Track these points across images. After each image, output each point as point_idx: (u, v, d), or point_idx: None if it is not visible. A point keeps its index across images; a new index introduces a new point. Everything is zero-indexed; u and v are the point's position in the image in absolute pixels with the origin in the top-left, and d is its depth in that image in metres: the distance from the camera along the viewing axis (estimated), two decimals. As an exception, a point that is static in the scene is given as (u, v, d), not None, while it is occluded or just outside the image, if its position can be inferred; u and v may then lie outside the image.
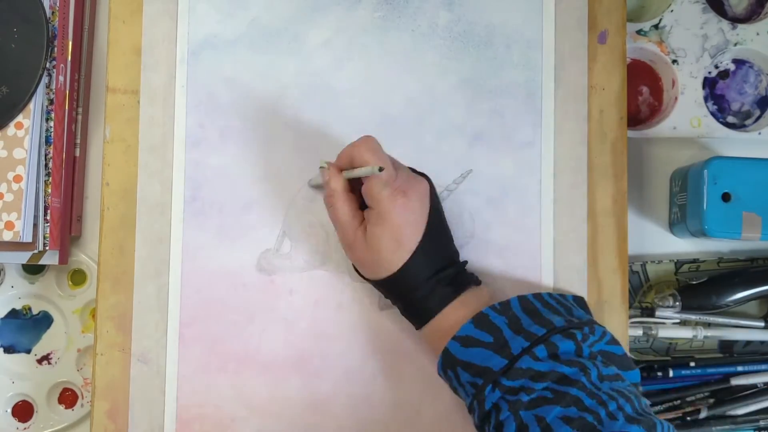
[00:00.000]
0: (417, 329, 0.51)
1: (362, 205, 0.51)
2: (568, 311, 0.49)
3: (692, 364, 0.61)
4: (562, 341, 0.46)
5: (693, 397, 0.61)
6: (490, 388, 0.45)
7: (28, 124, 0.57)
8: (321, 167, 0.51)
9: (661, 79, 0.64)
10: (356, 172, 0.49)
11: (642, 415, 0.43)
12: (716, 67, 0.64)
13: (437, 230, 0.50)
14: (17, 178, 0.56)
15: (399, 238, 0.48)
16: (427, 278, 0.49)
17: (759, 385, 0.61)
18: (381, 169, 0.46)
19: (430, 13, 0.57)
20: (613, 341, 0.48)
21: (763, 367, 0.61)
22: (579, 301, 0.52)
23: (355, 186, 0.51)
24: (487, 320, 0.47)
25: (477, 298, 0.50)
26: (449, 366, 0.48)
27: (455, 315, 0.49)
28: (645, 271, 0.62)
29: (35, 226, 0.58)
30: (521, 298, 0.49)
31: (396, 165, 0.50)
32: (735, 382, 0.61)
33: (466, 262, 0.52)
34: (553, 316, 0.48)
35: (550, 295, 0.50)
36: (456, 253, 0.52)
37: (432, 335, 0.50)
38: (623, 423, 0.42)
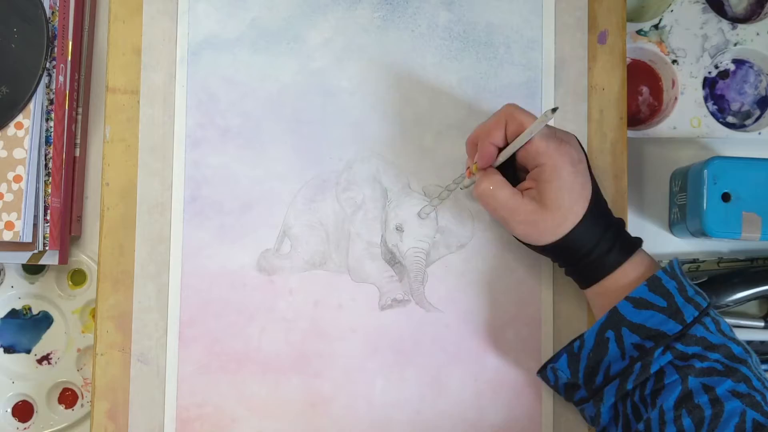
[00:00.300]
0: (583, 288, 0.51)
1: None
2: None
3: None
4: (721, 317, 0.47)
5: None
6: (660, 351, 0.45)
7: (28, 124, 0.57)
8: (473, 172, 0.51)
9: (661, 79, 0.64)
10: (526, 136, 0.47)
11: None
12: (716, 67, 0.64)
13: (597, 182, 0.50)
14: (17, 178, 0.56)
15: (576, 187, 0.47)
16: (604, 231, 0.48)
17: None
18: (555, 110, 0.45)
19: (430, 13, 0.57)
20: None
21: (764, 367, 0.61)
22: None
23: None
24: (660, 284, 0.47)
25: (645, 260, 0.50)
26: (613, 326, 0.47)
27: (628, 276, 0.48)
28: (645, 271, 0.62)
29: (35, 226, 0.58)
30: (680, 262, 0.50)
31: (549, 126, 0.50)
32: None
33: (622, 220, 0.51)
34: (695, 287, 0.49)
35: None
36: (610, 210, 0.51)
37: (602, 294, 0.49)
38: None
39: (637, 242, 0.50)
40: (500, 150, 0.50)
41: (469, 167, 0.52)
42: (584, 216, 0.48)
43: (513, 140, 0.49)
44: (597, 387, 0.48)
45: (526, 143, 0.48)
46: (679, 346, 0.45)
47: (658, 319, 0.46)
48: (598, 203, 0.49)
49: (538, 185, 0.48)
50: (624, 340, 0.47)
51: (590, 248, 0.48)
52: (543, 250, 0.50)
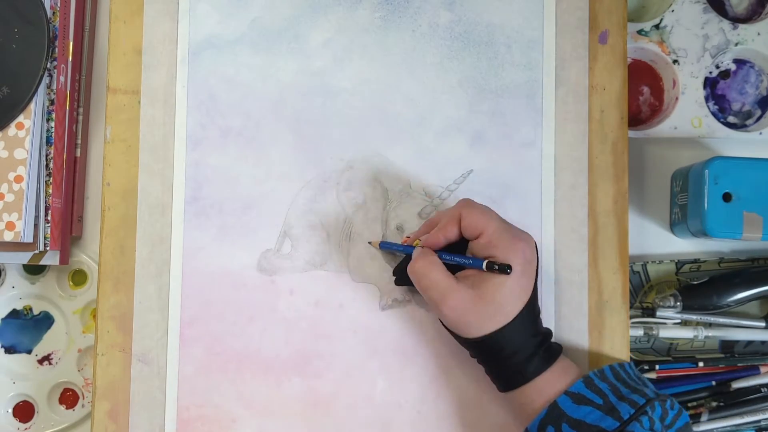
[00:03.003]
0: (502, 391, 0.51)
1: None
2: (644, 384, 0.50)
3: (701, 364, 0.60)
4: (659, 414, 0.47)
5: (695, 402, 0.61)
6: None
7: (29, 124, 0.57)
8: (416, 246, 0.51)
9: (661, 79, 0.64)
10: (461, 261, 0.49)
11: None
12: (717, 67, 0.64)
13: (536, 289, 0.50)
14: (18, 179, 0.56)
15: (517, 287, 0.47)
16: (530, 337, 0.48)
17: (763, 390, 0.61)
18: (491, 267, 0.47)
19: (431, 13, 0.57)
20: (683, 413, 0.49)
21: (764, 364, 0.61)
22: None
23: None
24: (593, 384, 0.48)
25: (568, 369, 0.50)
26: (552, 421, 0.47)
27: (550, 384, 0.48)
28: (646, 272, 0.62)
29: (36, 226, 0.58)
30: (612, 368, 0.50)
31: (501, 219, 0.50)
32: (736, 385, 0.60)
33: (550, 330, 0.51)
34: (642, 387, 0.49)
35: (630, 366, 0.51)
36: (541, 318, 0.51)
37: (525, 398, 0.49)
38: None
39: (558, 350, 0.50)
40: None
41: (409, 236, 0.54)
42: (515, 318, 0.48)
43: (468, 236, 0.50)
44: None
45: (480, 236, 0.49)
46: None
47: (596, 416, 0.46)
48: (531, 309, 0.49)
49: (481, 274, 0.48)
50: None
51: (513, 351, 0.48)
52: (467, 343, 0.50)
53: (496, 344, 0.48)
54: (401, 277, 0.54)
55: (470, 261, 0.49)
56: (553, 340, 0.51)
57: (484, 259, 0.48)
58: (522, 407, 0.49)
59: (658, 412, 0.47)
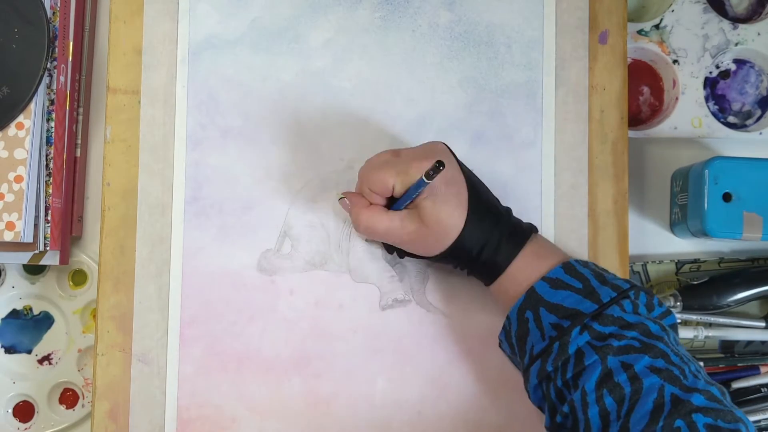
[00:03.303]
0: (487, 285, 0.51)
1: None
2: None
3: (701, 364, 0.60)
4: (644, 301, 0.47)
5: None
6: (577, 330, 0.45)
7: (29, 124, 0.57)
8: (340, 199, 0.52)
9: (661, 79, 0.64)
10: (409, 197, 0.49)
11: (711, 382, 0.45)
12: (717, 67, 0.64)
13: (476, 183, 0.51)
14: (18, 179, 0.56)
15: (449, 199, 0.48)
16: (490, 231, 0.49)
17: (763, 390, 0.61)
18: (429, 176, 0.46)
19: (431, 13, 0.57)
20: (671, 314, 0.49)
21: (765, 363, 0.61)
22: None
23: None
24: (574, 269, 0.48)
25: (548, 249, 0.50)
26: (531, 306, 0.48)
27: (530, 265, 0.49)
28: (646, 271, 0.62)
29: (36, 226, 0.58)
30: (594, 260, 0.50)
31: (398, 151, 0.51)
32: (736, 385, 0.60)
33: (509, 209, 0.52)
34: (617, 280, 0.49)
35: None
36: (498, 203, 0.52)
37: (506, 286, 0.50)
38: (704, 383, 0.44)
39: (528, 231, 0.50)
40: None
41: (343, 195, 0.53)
42: (465, 224, 0.48)
43: (384, 194, 0.50)
44: (525, 367, 0.49)
45: (393, 189, 0.49)
46: (596, 326, 0.45)
47: (574, 299, 0.47)
48: (477, 207, 0.49)
49: (416, 207, 0.49)
50: (542, 320, 0.47)
51: (478, 251, 0.49)
52: (435, 259, 0.51)
53: (460, 251, 0.49)
54: (389, 248, 0.55)
55: (414, 190, 0.48)
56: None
57: (418, 183, 0.48)
58: (502, 297, 0.50)
59: (643, 300, 0.47)
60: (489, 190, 0.52)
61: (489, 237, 0.49)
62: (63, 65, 0.60)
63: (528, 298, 0.48)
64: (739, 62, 0.64)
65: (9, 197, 0.56)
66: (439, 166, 0.45)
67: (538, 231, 0.52)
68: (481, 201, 0.50)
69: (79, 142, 0.62)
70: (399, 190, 0.49)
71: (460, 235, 0.48)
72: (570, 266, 0.48)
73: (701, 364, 0.59)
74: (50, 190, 0.59)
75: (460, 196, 0.49)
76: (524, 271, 0.49)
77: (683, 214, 0.60)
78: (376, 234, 0.51)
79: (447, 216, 0.48)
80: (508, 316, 0.49)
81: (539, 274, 0.48)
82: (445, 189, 0.48)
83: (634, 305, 0.46)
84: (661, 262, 0.62)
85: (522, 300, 0.48)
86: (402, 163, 0.49)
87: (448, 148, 0.51)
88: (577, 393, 0.45)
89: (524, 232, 0.50)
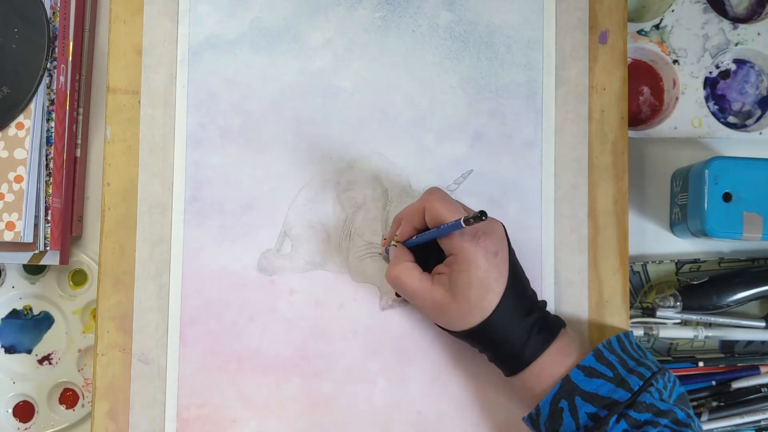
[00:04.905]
0: (507, 376, 0.51)
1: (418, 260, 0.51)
2: (645, 354, 0.51)
3: (701, 364, 0.60)
4: (661, 385, 0.48)
5: (695, 402, 0.61)
6: (614, 419, 0.46)
7: (29, 124, 0.57)
8: (393, 245, 0.52)
9: (662, 79, 0.64)
10: (439, 233, 0.48)
11: None
12: (717, 67, 0.64)
13: (519, 271, 0.50)
14: (18, 179, 0.56)
15: (486, 282, 0.47)
16: (519, 322, 0.48)
17: (763, 390, 0.61)
18: (468, 222, 0.45)
19: (431, 13, 0.57)
20: (676, 384, 0.50)
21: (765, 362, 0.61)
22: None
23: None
24: (603, 356, 0.48)
25: (574, 345, 0.50)
26: (565, 395, 0.47)
27: (557, 362, 0.48)
28: (646, 272, 0.62)
29: (36, 226, 0.58)
30: (618, 338, 0.50)
31: (467, 209, 0.50)
32: (736, 385, 0.60)
33: (545, 302, 0.52)
34: (645, 360, 0.49)
35: (631, 335, 0.52)
36: (535, 294, 0.51)
37: (529, 381, 0.49)
38: None
39: (557, 326, 0.50)
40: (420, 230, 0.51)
41: (385, 238, 0.54)
42: (495, 310, 0.47)
43: (432, 226, 0.49)
44: None
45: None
46: (632, 414, 0.46)
47: (608, 388, 0.47)
48: (514, 295, 0.48)
49: (450, 274, 0.48)
50: (578, 410, 0.47)
51: (504, 338, 0.48)
52: (458, 335, 0.50)
53: (484, 335, 0.48)
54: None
55: (446, 228, 0.47)
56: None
57: (449, 254, 0.48)
58: (527, 390, 0.49)
59: (661, 384, 0.48)
60: (528, 281, 0.51)
61: (517, 328, 0.48)
62: (63, 65, 0.60)
63: (563, 388, 0.47)
64: (739, 62, 0.64)
65: (9, 197, 0.56)
66: (481, 216, 0.44)
67: (566, 326, 0.51)
68: (517, 294, 0.49)
69: (79, 142, 0.62)
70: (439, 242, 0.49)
71: (485, 319, 0.47)
72: (600, 353, 0.48)
73: (701, 364, 0.60)
74: (50, 190, 0.59)
75: (498, 282, 0.48)
76: (549, 369, 0.48)
77: (683, 214, 0.60)
78: (403, 289, 0.50)
79: (478, 297, 0.47)
80: (538, 405, 0.48)
81: (564, 370, 0.48)
82: (485, 271, 0.47)
83: (659, 392, 0.47)
84: (661, 262, 0.62)
85: (557, 389, 0.47)
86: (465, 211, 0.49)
87: (505, 231, 0.50)
88: None
89: (555, 327, 0.50)
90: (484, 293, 0.47)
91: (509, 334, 0.48)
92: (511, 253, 0.50)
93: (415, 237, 0.51)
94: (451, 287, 0.48)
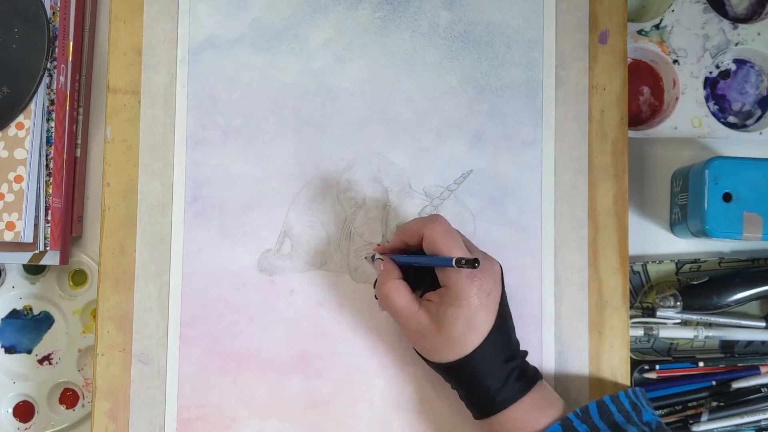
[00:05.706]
0: (476, 418, 0.50)
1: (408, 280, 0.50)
2: (638, 414, 0.49)
3: (701, 364, 0.60)
4: None
5: (695, 402, 0.61)
6: None
7: (29, 124, 0.57)
8: (377, 259, 0.51)
9: (662, 79, 0.64)
10: (430, 261, 0.48)
11: None
12: (717, 67, 0.64)
13: (507, 316, 0.49)
14: (18, 179, 0.56)
15: (473, 321, 0.47)
16: (498, 366, 0.47)
17: (763, 390, 0.61)
18: (460, 263, 0.44)
19: (431, 13, 0.57)
20: None
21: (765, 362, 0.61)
22: (646, 396, 0.52)
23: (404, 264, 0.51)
24: (572, 427, 0.47)
25: (548, 400, 0.49)
26: None
27: (528, 415, 0.47)
28: (646, 272, 0.62)
29: (36, 226, 0.58)
30: (599, 404, 0.49)
31: (469, 245, 0.50)
32: (736, 385, 0.60)
33: (526, 353, 0.51)
34: (628, 426, 0.48)
35: (625, 394, 0.50)
36: (518, 343, 0.51)
37: (497, 429, 0.48)
38: None
39: (534, 377, 0.49)
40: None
41: (379, 245, 0.54)
42: (476, 349, 0.47)
43: (428, 253, 0.49)
44: None
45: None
46: None
47: None
48: (497, 338, 0.48)
49: (440, 304, 0.48)
50: None
51: (479, 380, 0.47)
52: (434, 367, 0.50)
53: (460, 372, 0.48)
54: None
55: (437, 260, 0.47)
56: (535, 361, 0.50)
57: (443, 285, 0.48)
58: None
59: None
60: (514, 328, 0.50)
61: (496, 372, 0.47)
62: (63, 65, 0.60)
63: None
64: (739, 62, 0.64)
65: (9, 197, 0.56)
66: (474, 263, 0.44)
67: (542, 378, 0.50)
68: (501, 338, 0.48)
69: (79, 142, 0.62)
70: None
71: (464, 357, 0.47)
72: (568, 423, 0.47)
73: (701, 364, 0.59)
74: (50, 190, 0.59)
75: (485, 323, 0.47)
76: (520, 421, 0.47)
77: (683, 214, 0.60)
78: (390, 306, 0.49)
79: (461, 334, 0.47)
80: None
81: (541, 422, 0.47)
82: (474, 309, 0.47)
83: None
84: (661, 262, 0.62)
85: None
86: (465, 247, 0.48)
87: (502, 273, 0.49)
88: None
89: (532, 378, 0.49)
90: (468, 330, 0.47)
91: (485, 377, 0.47)
92: (503, 296, 0.49)
93: (406, 257, 0.50)
94: (438, 317, 0.47)
